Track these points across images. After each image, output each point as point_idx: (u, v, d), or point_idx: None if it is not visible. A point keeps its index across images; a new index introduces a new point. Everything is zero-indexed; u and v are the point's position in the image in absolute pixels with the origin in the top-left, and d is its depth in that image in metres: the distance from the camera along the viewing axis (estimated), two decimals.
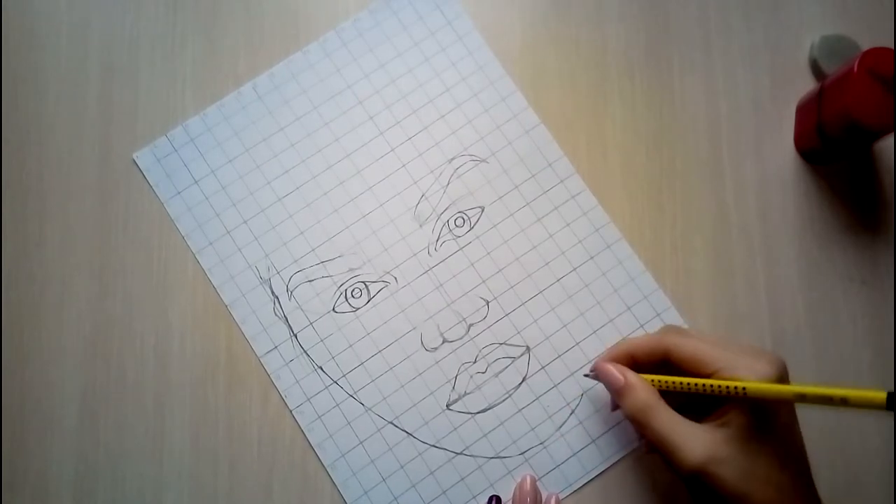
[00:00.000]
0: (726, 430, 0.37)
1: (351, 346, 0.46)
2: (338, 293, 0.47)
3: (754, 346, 0.39)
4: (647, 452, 0.45)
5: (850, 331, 0.47)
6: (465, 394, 0.46)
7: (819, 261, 0.48)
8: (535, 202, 0.48)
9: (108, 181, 0.48)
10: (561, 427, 0.45)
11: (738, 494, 0.36)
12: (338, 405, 0.46)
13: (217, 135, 0.49)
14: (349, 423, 0.45)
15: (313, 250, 0.47)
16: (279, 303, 0.47)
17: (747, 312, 0.47)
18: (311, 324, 0.46)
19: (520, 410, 0.46)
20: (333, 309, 0.46)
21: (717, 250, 0.48)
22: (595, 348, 0.46)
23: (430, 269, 0.47)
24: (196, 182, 0.48)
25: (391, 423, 0.45)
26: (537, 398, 0.46)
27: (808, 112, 0.47)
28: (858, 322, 0.47)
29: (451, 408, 0.46)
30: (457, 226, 0.47)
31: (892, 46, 0.43)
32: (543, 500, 0.44)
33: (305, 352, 0.46)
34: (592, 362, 0.45)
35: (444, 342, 0.46)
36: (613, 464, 0.45)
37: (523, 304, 0.47)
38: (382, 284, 0.47)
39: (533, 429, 0.45)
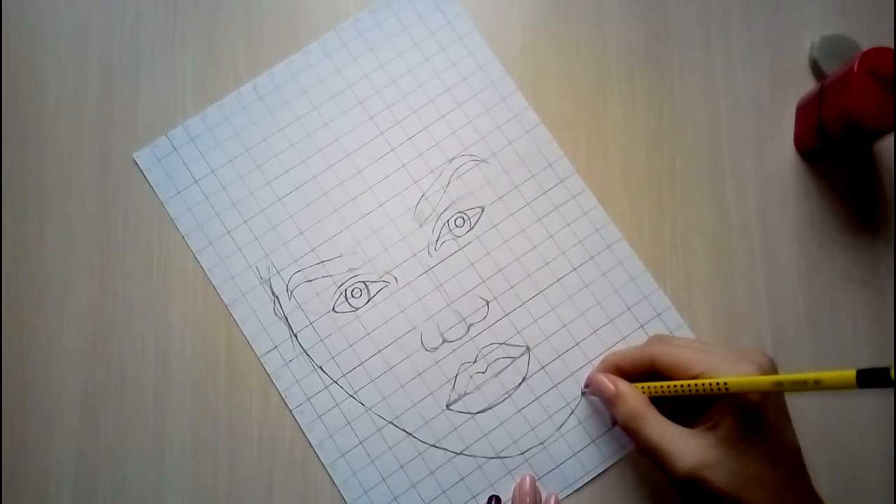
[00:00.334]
0: (716, 434, 0.37)
1: (351, 345, 0.46)
2: (338, 293, 0.47)
3: (740, 348, 0.40)
4: (641, 452, 0.45)
5: (850, 331, 0.47)
6: (465, 394, 0.46)
7: (819, 261, 0.48)
8: (535, 202, 0.48)
9: (109, 181, 0.48)
10: (561, 427, 0.45)
11: (730, 497, 0.36)
12: (338, 405, 0.46)
13: (217, 134, 0.49)
14: (349, 423, 0.45)
15: (313, 250, 0.47)
16: (279, 302, 0.47)
17: (747, 312, 0.47)
18: (311, 324, 0.46)
19: (520, 410, 0.46)
20: (333, 309, 0.46)
21: (717, 250, 0.48)
22: (595, 349, 0.46)
23: (430, 268, 0.47)
24: (196, 182, 0.48)
25: (391, 422, 0.45)
26: (537, 398, 0.46)
27: (808, 112, 0.47)
28: (858, 322, 0.47)
29: (450, 408, 0.46)
30: (457, 226, 0.47)
31: (892, 46, 0.43)
32: (543, 500, 0.44)
33: (305, 351, 0.46)
34: (586, 378, 0.45)
35: (444, 342, 0.46)
36: (613, 464, 0.45)
37: (523, 304, 0.47)
38: (382, 284, 0.47)
39: (533, 429, 0.45)
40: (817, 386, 0.33)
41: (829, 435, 0.46)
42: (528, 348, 0.46)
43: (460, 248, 0.47)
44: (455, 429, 0.45)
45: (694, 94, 0.50)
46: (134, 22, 0.50)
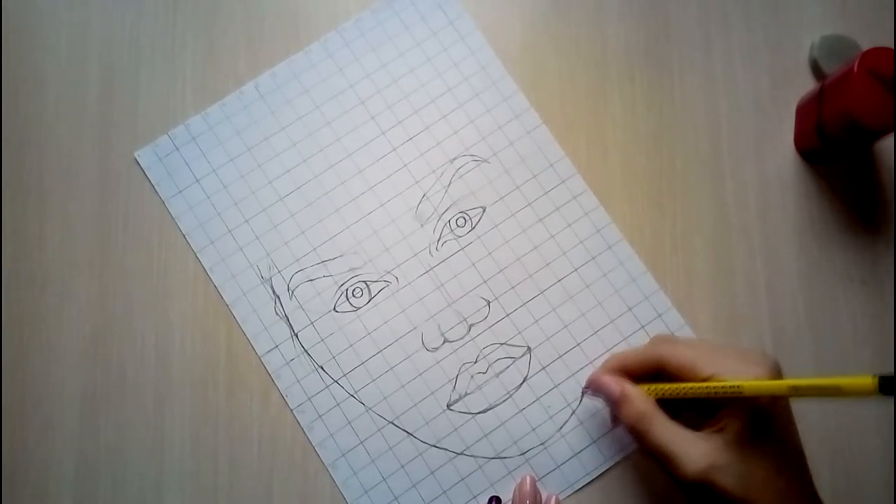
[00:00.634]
0: (724, 436, 0.37)
1: (351, 345, 0.46)
2: (339, 293, 0.47)
3: (745, 348, 0.40)
4: (646, 455, 0.44)
5: (850, 331, 0.47)
6: (466, 394, 0.46)
7: (819, 261, 0.48)
8: (536, 202, 0.48)
9: (109, 180, 0.48)
10: (562, 427, 0.45)
11: (739, 500, 0.36)
12: (338, 405, 0.46)
13: (218, 133, 0.48)
14: (350, 423, 0.45)
15: (314, 249, 0.47)
16: (280, 302, 0.47)
17: (747, 312, 0.47)
18: (311, 323, 0.46)
19: (520, 411, 0.46)
20: (334, 308, 0.46)
21: (717, 250, 0.48)
22: (596, 349, 0.46)
23: (431, 268, 0.47)
24: (197, 181, 0.48)
25: (392, 422, 0.45)
26: (538, 398, 0.46)
27: (808, 112, 0.48)
28: (858, 322, 0.47)
29: (451, 408, 0.46)
30: (458, 226, 0.47)
31: (892, 46, 0.43)
32: (543, 500, 0.44)
33: (306, 351, 0.46)
34: (587, 379, 0.45)
35: (444, 342, 0.46)
36: (614, 464, 0.45)
37: (524, 304, 0.47)
38: (383, 284, 0.47)
39: (534, 429, 0.45)
40: (836, 392, 0.33)
41: (830, 436, 0.46)
42: (529, 348, 0.46)
43: (461, 248, 0.47)
44: (456, 429, 0.45)
45: (694, 94, 0.50)
46: (134, 22, 0.50)
